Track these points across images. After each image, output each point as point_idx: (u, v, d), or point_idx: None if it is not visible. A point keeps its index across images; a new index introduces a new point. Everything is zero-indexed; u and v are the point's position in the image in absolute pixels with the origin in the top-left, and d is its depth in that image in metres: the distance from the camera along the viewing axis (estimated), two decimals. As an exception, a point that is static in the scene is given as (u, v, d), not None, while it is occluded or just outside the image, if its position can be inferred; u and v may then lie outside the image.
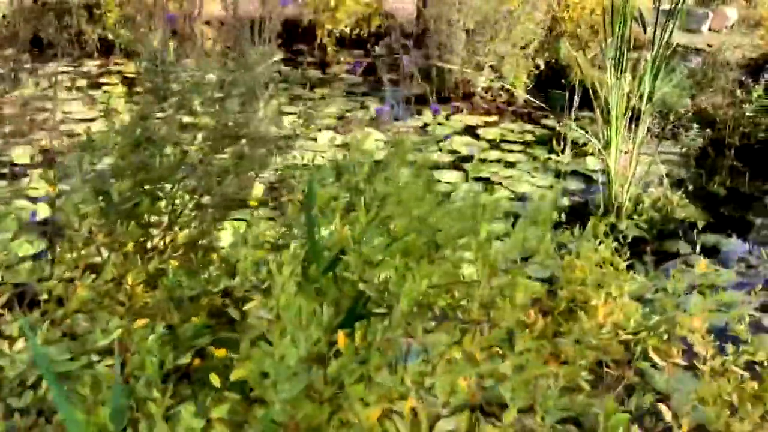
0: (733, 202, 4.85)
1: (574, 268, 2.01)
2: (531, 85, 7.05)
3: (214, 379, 1.10)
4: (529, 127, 6.23)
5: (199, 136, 2.22)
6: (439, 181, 5.01)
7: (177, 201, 2.03)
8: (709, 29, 8.61)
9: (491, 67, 6.55)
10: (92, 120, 5.70)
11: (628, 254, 2.16)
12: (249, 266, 1.49)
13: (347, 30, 7.93)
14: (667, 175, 5.23)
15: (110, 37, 7.83)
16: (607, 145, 4.24)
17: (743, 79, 5.91)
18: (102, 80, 6.78)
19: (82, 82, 6.70)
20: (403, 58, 7.38)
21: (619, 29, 4.03)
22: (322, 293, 1.33)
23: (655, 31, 4.01)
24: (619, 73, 4.07)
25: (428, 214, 1.69)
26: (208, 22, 8.35)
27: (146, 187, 2.00)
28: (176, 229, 1.99)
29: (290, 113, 6.13)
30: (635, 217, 4.29)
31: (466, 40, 6.25)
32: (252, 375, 1.03)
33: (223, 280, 1.50)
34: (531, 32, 6.64)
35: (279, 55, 8.03)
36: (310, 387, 1.05)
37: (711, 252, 4.27)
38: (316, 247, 1.46)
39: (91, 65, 7.29)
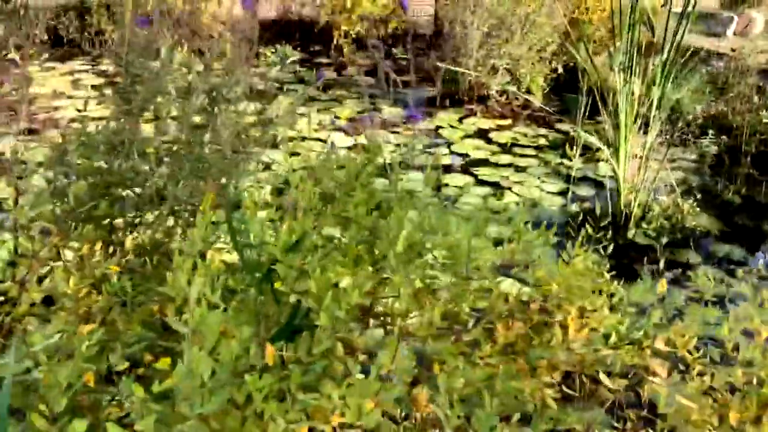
0: (748, 211, 4.71)
1: (551, 278, 1.94)
2: (548, 89, 6.96)
3: (138, 390, 1.06)
4: (543, 131, 6.13)
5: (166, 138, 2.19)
6: (446, 185, 4.94)
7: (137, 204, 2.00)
8: (734, 33, 8.40)
9: (506, 70, 6.46)
10: (104, 119, 5.72)
11: (608, 264, 2.06)
12: (184, 274, 1.44)
13: (364, 32, 7.89)
14: (682, 183, 5.11)
15: (128, 36, 7.88)
16: (615, 150, 4.14)
17: (761, 84, 5.74)
18: (118, 79, 6.81)
19: (99, 81, 6.75)
20: (415, 61, 7.33)
21: (628, 32, 3.92)
22: (253, 305, 1.28)
23: (665, 34, 3.90)
24: (627, 77, 3.97)
25: (376, 222, 1.64)
26: (224, 23, 8.38)
27: (109, 189, 1.97)
28: (138, 232, 1.96)
29: (302, 114, 6.17)
30: (643, 225, 4.18)
31: (480, 43, 6.17)
32: (173, 388, 0.99)
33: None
34: (548, 35, 6.54)
35: (295, 57, 7.99)
36: (235, 402, 1.01)
37: (723, 262, 4.15)
38: (243, 257, 1.42)
39: (108, 64, 7.34)
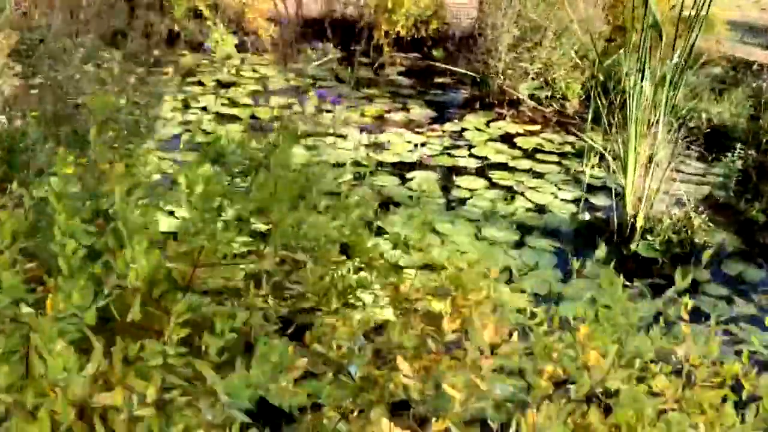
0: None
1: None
2: (585, 96, 6.79)
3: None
4: (571, 138, 5.98)
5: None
6: (458, 187, 4.89)
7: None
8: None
9: (537, 75, 6.34)
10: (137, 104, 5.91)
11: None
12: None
13: (404, 32, 7.88)
14: (706, 197, 4.91)
15: (176, 29, 8.12)
16: (623, 159, 4.01)
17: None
18: (154, 69, 7.02)
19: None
20: (453, 63, 7.27)
21: (641, 37, 3.79)
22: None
23: (675, 39, 3.75)
24: (637, 82, 3.84)
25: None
26: (272, 20, 8.53)
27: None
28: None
29: (329, 111, 6.21)
30: (649, 237, 4.04)
31: (509, 46, 6.08)
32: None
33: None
34: (587, 41, 6.38)
35: (334, 55, 8.05)
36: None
37: (733, 282, 3.97)
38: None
39: (151, 54, 7.56)
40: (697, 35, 3.67)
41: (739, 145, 4.79)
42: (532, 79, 6.23)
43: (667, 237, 3.97)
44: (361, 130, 5.72)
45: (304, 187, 1.83)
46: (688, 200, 4.17)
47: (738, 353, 3.31)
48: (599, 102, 4.93)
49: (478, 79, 6.55)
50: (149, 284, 1.29)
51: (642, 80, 3.80)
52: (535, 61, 6.06)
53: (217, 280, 1.47)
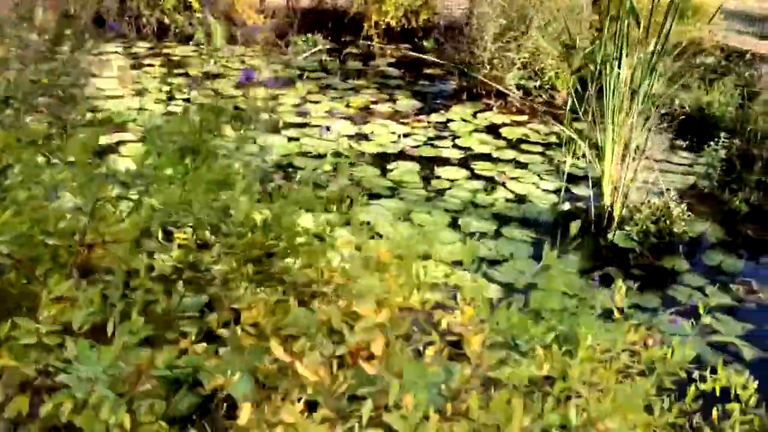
0: (754, 221, 4.41)
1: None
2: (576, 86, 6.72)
3: None
4: (557, 128, 5.91)
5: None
6: (439, 177, 4.84)
7: None
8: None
9: (527, 65, 6.27)
10: (120, 97, 5.89)
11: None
12: None
13: (394, 22, 7.82)
14: (691, 187, 4.85)
15: (166, 21, 8.08)
16: (599, 148, 3.96)
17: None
18: (146, 61, 7.00)
19: (128, 62, 6.93)
20: (444, 54, 7.21)
21: (617, 24, 3.72)
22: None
23: (648, 26, 3.68)
24: (614, 71, 3.77)
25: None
26: (263, 11, 8.48)
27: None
28: None
29: (315, 102, 6.17)
30: (626, 227, 3.99)
31: (495, 36, 6.01)
32: None
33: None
34: (575, 30, 6.31)
35: (324, 46, 7.97)
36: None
37: (713, 271, 3.91)
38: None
39: (142, 47, 7.54)
40: (672, 22, 3.60)
41: (723, 134, 4.72)
42: (519, 69, 6.15)
43: (644, 227, 3.91)
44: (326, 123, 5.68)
45: (227, 174, 1.78)
46: (668, 190, 4.10)
47: (712, 345, 3.27)
48: (579, 91, 4.89)
49: (466, 70, 6.48)
50: (32, 262, 1.25)
51: (619, 68, 3.74)
52: (522, 50, 5.99)
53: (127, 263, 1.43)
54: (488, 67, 6.09)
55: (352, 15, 8.11)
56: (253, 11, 8.18)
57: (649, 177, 4.30)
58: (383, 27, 7.89)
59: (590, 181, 4.22)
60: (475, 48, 6.02)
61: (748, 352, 3.21)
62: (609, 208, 4.04)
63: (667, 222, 3.92)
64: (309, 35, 7.97)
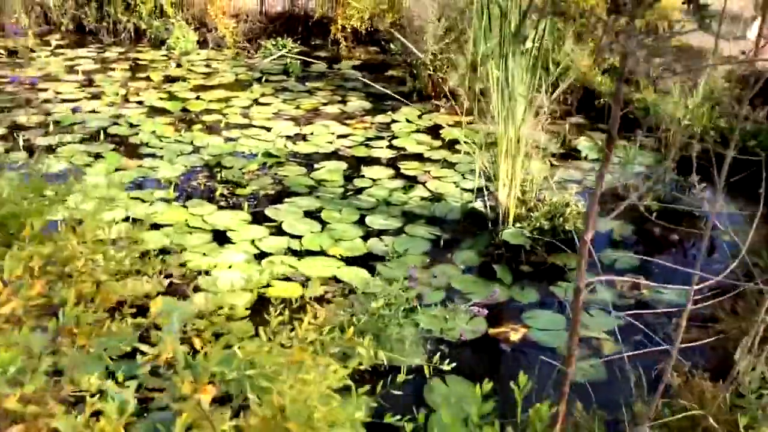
0: (664, 219, 4.43)
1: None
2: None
3: None
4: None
5: None
6: (362, 176, 4.96)
7: None
8: (759, 35, 7.82)
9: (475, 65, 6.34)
10: (77, 101, 6.12)
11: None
12: None
13: (360, 25, 7.94)
14: (608, 184, 4.88)
15: (143, 26, 8.33)
16: (491, 146, 4.04)
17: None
18: (113, 65, 7.24)
19: (93, 66, 7.18)
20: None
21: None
22: None
23: (520, 22, 3.75)
24: (493, 68, 3.86)
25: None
26: (236, 16, 8.68)
27: None
28: None
29: (265, 104, 6.32)
30: (517, 225, 4.06)
31: (436, 37, 6.11)
32: None
33: None
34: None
35: (292, 49, 8.11)
36: None
37: (605, 269, 3.95)
38: None
39: (114, 51, 7.80)
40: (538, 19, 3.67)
41: (641, 131, 4.75)
42: (462, 70, 6.22)
43: (538, 224, 3.98)
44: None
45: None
46: (563, 186, 4.16)
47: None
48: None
49: (414, 72, 6.59)
50: None
51: (506, 65, 3.83)
52: (465, 52, 6.06)
53: None
54: (431, 68, 6.19)
55: (319, 19, 8.27)
56: (226, 17, 8.38)
57: (553, 174, 4.37)
58: (350, 30, 8.02)
59: (493, 179, 4.30)
60: (420, 50, 6.11)
61: (609, 347, 3.27)
62: (506, 206, 4.12)
63: (561, 219, 3.98)
64: (279, 39, 8.14)
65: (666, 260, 3.99)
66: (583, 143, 5.63)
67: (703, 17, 1.28)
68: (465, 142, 4.66)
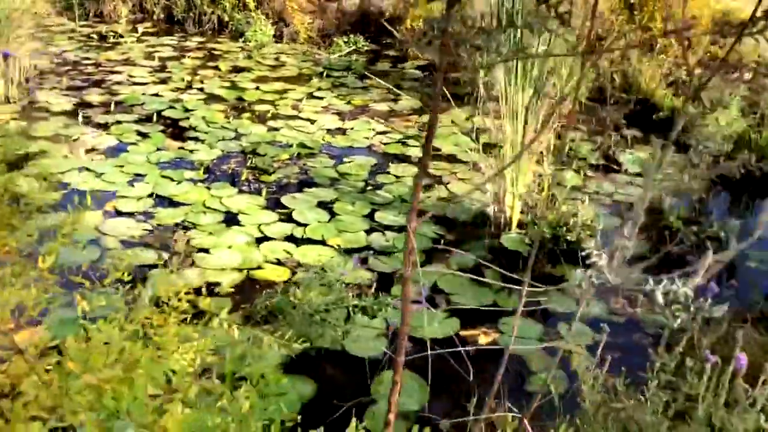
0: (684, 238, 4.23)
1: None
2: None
3: None
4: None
5: None
6: (388, 173, 5.02)
7: None
8: None
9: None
10: (144, 84, 6.54)
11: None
12: None
13: (429, 26, 7.97)
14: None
15: (226, 18, 8.76)
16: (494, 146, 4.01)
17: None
18: (189, 54, 7.65)
19: (171, 54, 7.62)
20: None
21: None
22: None
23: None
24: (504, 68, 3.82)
25: None
26: (313, 12, 8.95)
27: None
28: None
29: (318, 98, 6.49)
30: (517, 231, 4.01)
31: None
32: None
33: None
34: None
35: (362, 46, 8.28)
36: None
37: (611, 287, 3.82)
38: None
39: (194, 41, 8.24)
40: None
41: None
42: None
43: (540, 232, 3.91)
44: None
45: None
46: (590, 197, 4.06)
47: (547, 348, 3.27)
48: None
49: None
50: None
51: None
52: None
53: None
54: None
55: (392, 18, 8.38)
56: (303, 12, 8.66)
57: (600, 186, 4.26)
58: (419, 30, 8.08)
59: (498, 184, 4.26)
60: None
61: (578, 361, 3.17)
62: (510, 211, 4.07)
63: (564, 229, 3.89)
64: (351, 36, 8.33)
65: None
66: (627, 156, 5.44)
67: None
68: (468, 149, 4.62)
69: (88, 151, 4.96)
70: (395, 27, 8.40)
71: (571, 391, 2.85)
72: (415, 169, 5.09)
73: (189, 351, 1.74)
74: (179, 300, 1.79)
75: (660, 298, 1.32)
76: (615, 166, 5.31)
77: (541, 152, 4.33)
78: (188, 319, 1.80)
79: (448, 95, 5.90)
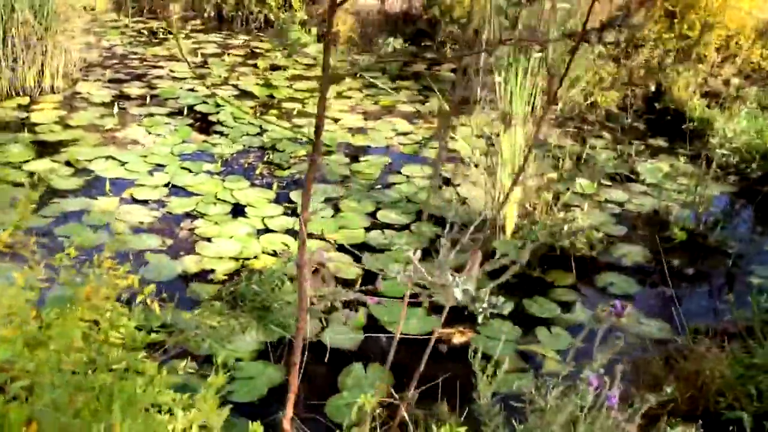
0: (687, 250, 4.18)
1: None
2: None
3: None
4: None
5: None
6: (399, 173, 5.11)
7: None
8: None
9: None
10: (183, 79, 6.81)
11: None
12: None
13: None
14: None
15: (272, 18, 9.01)
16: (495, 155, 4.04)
17: None
18: (231, 51, 7.92)
19: (215, 51, 7.89)
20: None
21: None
22: None
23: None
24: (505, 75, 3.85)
25: None
26: (357, 13, 9.11)
27: None
28: None
29: (347, 97, 6.63)
30: (510, 237, 4.04)
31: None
32: None
33: None
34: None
35: (401, 48, 8.39)
36: None
37: (597, 291, 3.83)
38: None
39: (239, 39, 8.51)
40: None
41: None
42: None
43: (534, 238, 3.93)
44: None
45: None
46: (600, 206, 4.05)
47: (522, 352, 3.33)
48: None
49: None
50: None
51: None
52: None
53: None
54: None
55: (432, 21, 8.46)
56: (346, 13, 8.82)
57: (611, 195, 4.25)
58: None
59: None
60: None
61: (554, 366, 3.20)
62: (504, 216, 4.10)
63: (558, 236, 3.90)
64: (391, 38, 8.44)
65: (667, 293, 3.77)
66: (646, 166, 5.37)
67: None
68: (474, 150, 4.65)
69: (116, 141, 5.23)
70: (435, 30, 8.49)
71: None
72: (429, 170, 5.17)
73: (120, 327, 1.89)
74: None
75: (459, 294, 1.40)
76: (632, 175, 5.25)
77: (559, 158, 4.33)
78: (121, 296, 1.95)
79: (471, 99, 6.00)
